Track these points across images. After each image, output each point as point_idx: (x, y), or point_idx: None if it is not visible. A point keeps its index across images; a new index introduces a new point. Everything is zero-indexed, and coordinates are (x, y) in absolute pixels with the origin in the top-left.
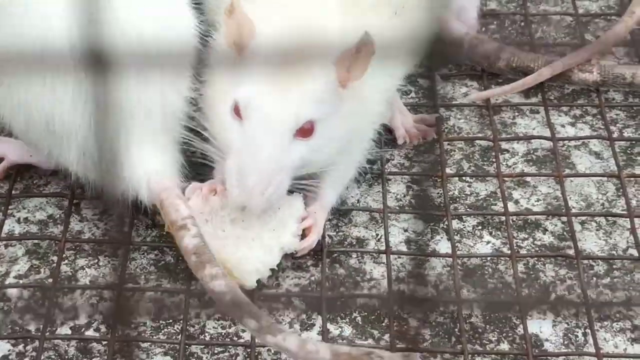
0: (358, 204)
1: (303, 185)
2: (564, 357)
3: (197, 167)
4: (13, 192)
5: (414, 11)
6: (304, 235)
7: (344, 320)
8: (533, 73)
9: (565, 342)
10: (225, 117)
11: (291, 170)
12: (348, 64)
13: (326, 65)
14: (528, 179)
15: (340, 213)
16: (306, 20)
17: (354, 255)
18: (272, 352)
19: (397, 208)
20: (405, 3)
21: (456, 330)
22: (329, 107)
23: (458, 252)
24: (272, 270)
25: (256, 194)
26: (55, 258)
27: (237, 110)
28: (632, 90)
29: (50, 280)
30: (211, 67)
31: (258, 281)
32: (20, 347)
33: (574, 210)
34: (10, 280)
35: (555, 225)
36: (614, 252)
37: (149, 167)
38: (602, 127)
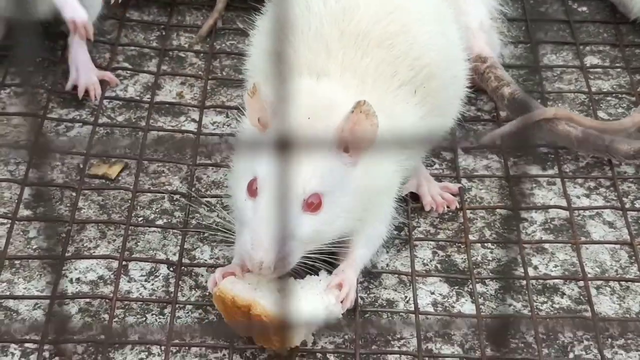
0: (387, 268)
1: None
2: None
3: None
4: (65, 254)
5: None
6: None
7: None
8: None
9: None
10: (242, 196)
11: (303, 243)
12: (348, 128)
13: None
14: (546, 246)
15: (371, 276)
16: (322, 100)
17: (385, 316)
18: None
19: (424, 272)
20: (425, 84)
21: None
22: (337, 182)
23: (482, 314)
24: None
25: (269, 252)
26: (106, 316)
27: (251, 188)
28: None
29: (102, 336)
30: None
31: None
32: None
33: (589, 276)
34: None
35: (573, 289)
36: (628, 315)
37: None
38: (615, 198)
